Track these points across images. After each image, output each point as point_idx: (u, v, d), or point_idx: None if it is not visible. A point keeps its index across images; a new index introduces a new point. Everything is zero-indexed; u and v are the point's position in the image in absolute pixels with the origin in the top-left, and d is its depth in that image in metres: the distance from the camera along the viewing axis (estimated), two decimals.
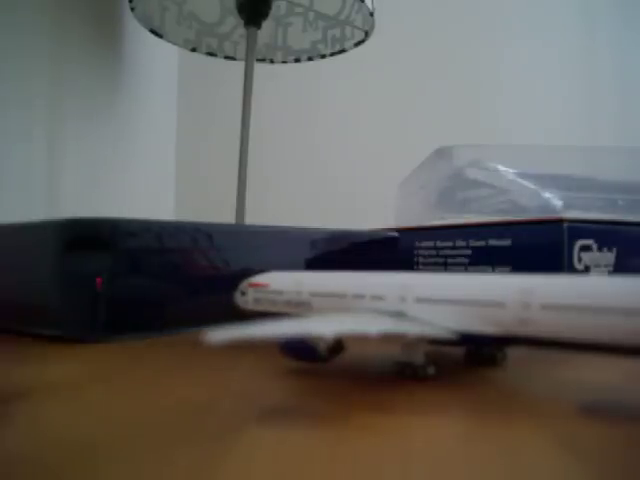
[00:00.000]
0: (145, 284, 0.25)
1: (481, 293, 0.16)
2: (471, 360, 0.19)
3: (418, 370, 0.16)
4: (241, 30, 0.68)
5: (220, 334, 0.12)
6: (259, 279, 0.22)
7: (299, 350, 0.17)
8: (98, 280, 0.23)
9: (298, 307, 0.20)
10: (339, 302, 0.19)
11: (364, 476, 0.09)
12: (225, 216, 0.59)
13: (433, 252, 0.36)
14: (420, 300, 0.17)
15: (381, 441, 0.11)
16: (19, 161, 0.49)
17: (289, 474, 0.09)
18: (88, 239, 0.23)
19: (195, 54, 0.72)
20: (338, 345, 0.17)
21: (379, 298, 0.18)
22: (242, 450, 0.11)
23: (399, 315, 0.16)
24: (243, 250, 0.28)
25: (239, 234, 0.28)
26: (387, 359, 0.18)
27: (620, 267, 0.31)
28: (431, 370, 0.17)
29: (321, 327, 0.14)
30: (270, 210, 0.83)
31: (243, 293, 0.22)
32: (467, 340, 0.16)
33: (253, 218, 0.58)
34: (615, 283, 0.14)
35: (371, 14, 0.63)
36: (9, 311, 0.26)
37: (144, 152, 0.78)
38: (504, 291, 0.15)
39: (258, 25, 0.63)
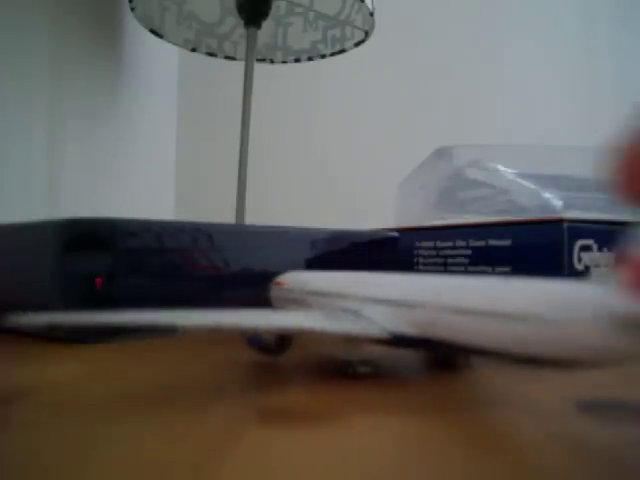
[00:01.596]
0: (145, 284, 0.24)
1: (403, 293, 0.16)
2: (439, 363, 0.18)
3: (354, 368, 0.16)
4: (241, 30, 0.68)
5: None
6: (280, 278, 0.23)
7: (255, 343, 0.18)
8: (98, 280, 0.23)
9: (301, 305, 0.21)
10: (328, 301, 0.19)
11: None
12: (225, 216, 0.59)
13: (433, 252, 0.36)
14: (365, 300, 0.17)
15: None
16: (19, 161, 0.49)
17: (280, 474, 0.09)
18: (88, 239, 0.23)
19: (195, 54, 0.72)
20: (285, 339, 0.18)
21: (343, 297, 0.18)
22: (243, 451, 0.11)
23: (355, 314, 0.17)
24: (243, 250, 0.28)
25: (239, 234, 0.28)
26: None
27: None
28: (365, 369, 0.16)
29: (263, 321, 0.15)
30: (270, 210, 0.83)
31: (271, 291, 0.23)
32: (398, 340, 0.16)
33: (253, 218, 0.58)
34: (509, 286, 0.13)
35: (371, 14, 0.63)
36: (9, 311, 0.26)
37: (144, 152, 0.78)
38: (420, 292, 0.15)
39: (258, 25, 0.63)
